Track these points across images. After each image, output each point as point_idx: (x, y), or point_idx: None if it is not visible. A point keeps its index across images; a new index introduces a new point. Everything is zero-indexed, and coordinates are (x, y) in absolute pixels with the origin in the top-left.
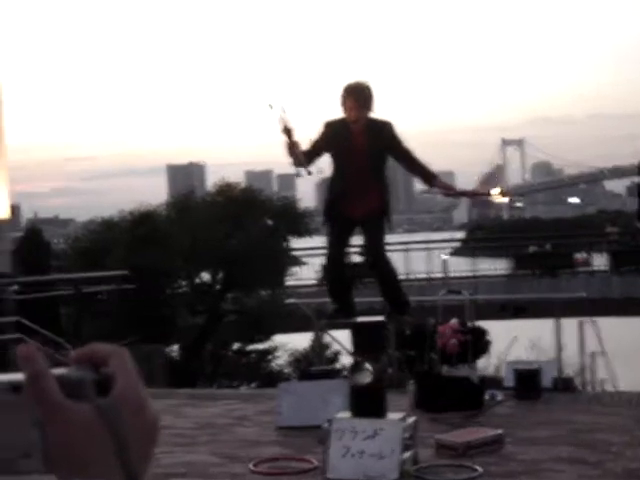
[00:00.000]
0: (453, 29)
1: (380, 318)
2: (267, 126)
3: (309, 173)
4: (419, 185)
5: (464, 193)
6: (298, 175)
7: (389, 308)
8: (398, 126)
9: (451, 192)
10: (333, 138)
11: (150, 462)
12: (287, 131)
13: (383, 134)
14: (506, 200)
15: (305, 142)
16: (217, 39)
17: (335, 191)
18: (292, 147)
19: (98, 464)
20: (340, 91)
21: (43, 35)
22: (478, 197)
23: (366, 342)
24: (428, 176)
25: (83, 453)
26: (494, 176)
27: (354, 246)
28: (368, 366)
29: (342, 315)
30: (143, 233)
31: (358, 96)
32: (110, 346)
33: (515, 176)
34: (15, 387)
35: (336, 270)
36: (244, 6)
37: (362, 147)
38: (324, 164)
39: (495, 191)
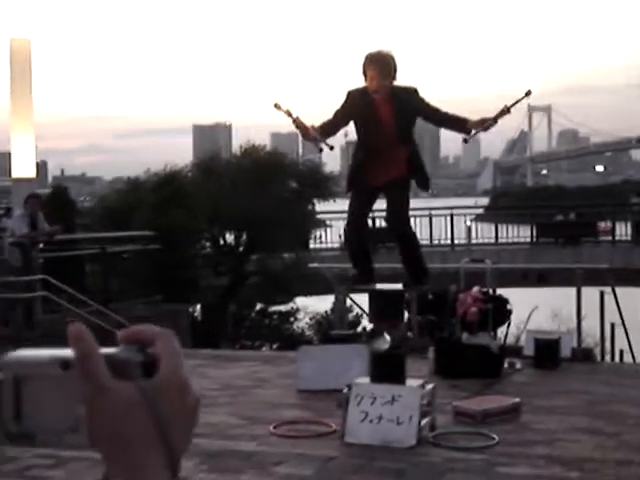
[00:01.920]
0: None
1: (398, 286)
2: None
3: (331, 148)
4: (445, 151)
5: (498, 116)
6: (321, 150)
7: (408, 276)
8: (426, 92)
9: (487, 124)
10: (355, 108)
11: (190, 443)
12: (297, 124)
13: (409, 100)
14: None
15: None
16: (243, 4)
17: (358, 160)
18: (306, 135)
19: (139, 444)
20: (362, 60)
21: None
22: (510, 112)
23: (383, 310)
24: (462, 123)
25: (125, 432)
26: (519, 143)
27: (379, 210)
28: (386, 333)
29: (362, 281)
30: (168, 194)
31: (380, 65)
32: (158, 328)
33: (541, 143)
34: (65, 363)
35: (357, 237)
36: None
37: (387, 116)
38: (350, 127)
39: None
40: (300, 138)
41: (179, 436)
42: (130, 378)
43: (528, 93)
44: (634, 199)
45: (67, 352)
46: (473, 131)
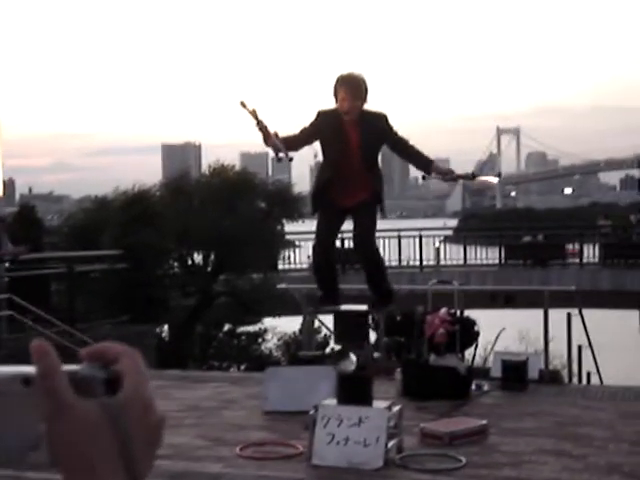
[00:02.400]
0: (451, 16)
1: (363, 307)
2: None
3: (290, 159)
4: (415, 172)
5: (461, 176)
6: (279, 160)
7: (373, 297)
8: (395, 114)
9: (448, 177)
10: (324, 128)
11: (153, 462)
12: (260, 127)
13: (377, 126)
14: (496, 180)
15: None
16: (213, 23)
17: (322, 180)
18: (268, 139)
19: (101, 462)
20: (333, 81)
21: (43, 10)
22: (474, 180)
23: (348, 331)
24: (425, 163)
25: (87, 451)
26: (488, 165)
27: (346, 232)
28: (352, 354)
29: (327, 302)
30: (136, 213)
31: (351, 87)
32: (122, 346)
33: (509, 165)
34: (26, 380)
35: (323, 258)
36: None
37: (354, 139)
38: (319, 147)
39: (491, 178)
40: (270, 157)
41: (142, 455)
42: (93, 396)
43: (498, 175)
44: (602, 222)
45: (29, 368)
46: (434, 174)
